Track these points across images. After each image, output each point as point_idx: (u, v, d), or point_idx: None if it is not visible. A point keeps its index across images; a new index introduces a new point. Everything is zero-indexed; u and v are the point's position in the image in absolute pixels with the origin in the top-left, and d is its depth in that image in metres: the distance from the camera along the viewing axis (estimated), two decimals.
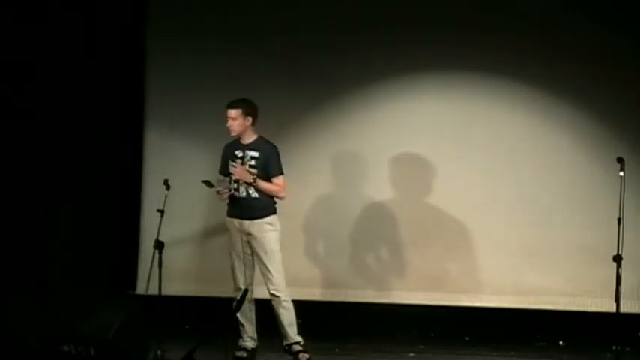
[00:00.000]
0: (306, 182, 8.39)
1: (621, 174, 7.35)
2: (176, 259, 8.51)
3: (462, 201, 8.54)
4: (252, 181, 7.36)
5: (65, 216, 8.64)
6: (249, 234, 7.45)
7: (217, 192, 7.42)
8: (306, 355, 7.49)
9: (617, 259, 7.28)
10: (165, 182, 7.62)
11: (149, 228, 8.43)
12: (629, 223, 7.38)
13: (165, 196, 7.54)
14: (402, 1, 8.63)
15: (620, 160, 7.38)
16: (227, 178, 7.44)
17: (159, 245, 7.48)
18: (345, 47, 8.62)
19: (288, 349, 7.55)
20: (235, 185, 7.43)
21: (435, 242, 8.55)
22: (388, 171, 8.63)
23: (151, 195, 8.61)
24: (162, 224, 7.47)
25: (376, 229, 8.65)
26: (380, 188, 8.65)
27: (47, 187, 8.60)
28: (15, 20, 8.51)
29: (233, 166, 7.37)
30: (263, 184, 7.39)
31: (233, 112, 7.41)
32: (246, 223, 7.44)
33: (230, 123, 7.43)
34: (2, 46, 8.47)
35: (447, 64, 8.56)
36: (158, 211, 7.51)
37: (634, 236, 7.89)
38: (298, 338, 7.55)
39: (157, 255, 7.47)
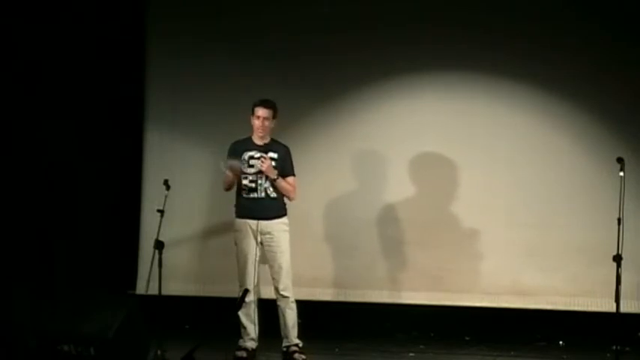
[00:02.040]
0: (306, 183, 8.37)
1: (621, 174, 7.34)
2: (176, 259, 8.52)
3: (462, 201, 8.54)
4: (275, 178, 7.40)
5: (65, 216, 8.63)
6: (266, 234, 7.47)
7: (230, 167, 7.42)
8: (303, 357, 7.51)
9: (617, 259, 7.27)
10: (166, 182, 7.62)
11: (149, 228, 8.43)
12: (629, 223, 7.37)
13: (165, 196, 7.54)
14: (403, 1, 8.64)
15: (620, 160, 7.37)
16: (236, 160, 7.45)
17: (159, 245, 7.48)
18: (345, 47, 8.62)
19: (286, 350, 7.57)
20: (253, 185, 7.46)
21: (435, 242, 8.54)
22: (388, 171, 8.63)
23: (151, 195, 8.61)
24: (163, 224, 7.47)
25: (376, 229, 8.64)
26: (380, 188, 8.65)
27: (47, 187, 8.60)
28: (14, 21, 8.50)
29: (263, 159, 7.38)
30: (282, 183, 7.47)
31: (267, 112, 7.47)
32: (264, 223, 7.48)
33: (262, 123, 7.46)
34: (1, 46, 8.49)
35: (447, 64, 8.56)
36: (158, 211, 7.51)
37: (634, 236, 7.88)
38: (298, 341, 7.60)
39: (156, 255, 7.47)
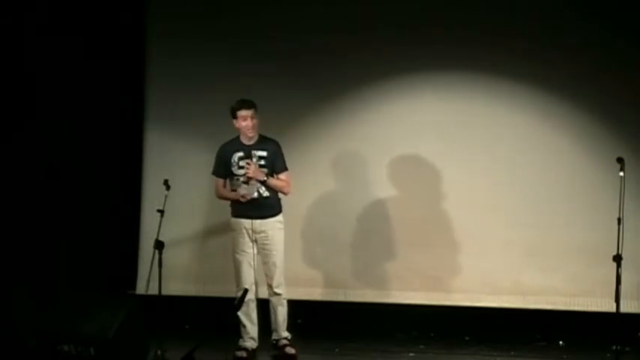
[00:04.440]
0: (306, 182, 8.38)
1: (621, 174, 7.34)
2: (176, 259, 8.52)
3: (462, 201, 8.54)
4: (264, 179, 7.41)
5: (65, 216, 8.63)
6: (261, 232, 7.49)
7: (242, 195, 7.44)
8: (293, 350, 7.53)
9: (617, 259, 7.27)
10: (166, 182, 7.62)
11: (149, 228, 8.43)
12: (629, 223, 7.37)
13: (165, 196, 7.54)
14: (403, 1, 8.64)
15: (620, 160, 7.37)
16: (242, 181, 7.47)
17: (159, 245, 7.49)
18: (345, 47, 8.62)
19: (275, 343, 7.63)
20: (246, 186, 7.47)
21: (435, 242, 8.54)
22: (388, 171, 8.63)
23: (151, 195, 8.62)
24: (162, 224, 7.47)
25: (376, 229, 8.65)
26: (380, 188, 8.65)
27: (47, 187, 8.60)
28: (14, 20, 8.51)
29: (248, 164, 7.40)
30: (273, 181, 7.49)
31: (250, 112, 7.48)
32: (258, 222, 7.50)
33: (249, 123, 7.48)
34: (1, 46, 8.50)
35: (447, 64, 8.56)
36: (158, 211, 7.51)
37: (634, 236, 7.88)
38: (287, 334, 7.65)
39: (156, 255, 7.47)
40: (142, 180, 8.86)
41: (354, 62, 8.64)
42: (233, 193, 7.55)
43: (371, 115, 8.68)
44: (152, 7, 8.90)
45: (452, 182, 8.56)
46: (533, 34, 8.46)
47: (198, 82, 8.79)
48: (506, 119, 8.55)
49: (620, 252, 7.26)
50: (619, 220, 7.29)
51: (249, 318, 7.55)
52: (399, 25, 8.61)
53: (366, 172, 8.68)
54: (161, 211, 7.50)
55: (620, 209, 7.29)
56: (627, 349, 7.82)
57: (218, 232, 8.60)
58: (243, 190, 7.46)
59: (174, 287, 8.46)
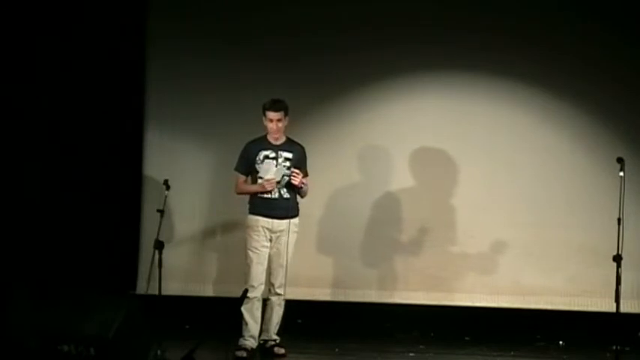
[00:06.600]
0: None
1: (621, 174, 7.35)
2: (176, 259, 8.51)
3: (462, 201, 8.55)
4: (301, 186, 7.51)
5: (65, 216, 8.63)
6: (277, 232, 7.52)
7: (267, 180, 7.43)
8: (282, 350, 7.56)
9: (617, 259, 7.28)
10: (165, 182, 7.62)
11: (149, 228, 8.42)
12: (629, 223, 7.38)
13: (165, 196, 7.54)
14: (403, 1, 8.64)
15: (620, 160, 7.38)
16: (273, 166, 7.47)
17: (159, 245, 7.49)
18: (345, 48, 8.62)
19: (264, 342, 7.62)
20: (274, 169, 7.48)
21: (435, 242, 8.54)
22: (388, 171, 8.63)
23: (151, 195, 8.61)
24: (162, 224, 7.47)
25: (376, 229, 8.65)
26: (380, 188, 8.65)
27: (47, 187, 8.60)
28: (14, 19, 8.50)
29: (295, 174, 7.42)
30: (305, 188, 7.57)
31: (278, 115, 7.47)
32: (277, 222, 7.51)
33: (274, 125, 7.47)
34: (1, 46, 8.49)
35: (447, 64, 8.56)
36: (158, 211, 7.51)
37: (634, 236, 7.90)
38: (277, 337, 7.65)
39: (157, 255, 7.47)
40: (142, 180, 8.85)
41: (354, 62, 8.63)
42: (254, 185, 7.52)
43: (371, 115, 8.68)
44: (152, 7, 8.90)
45: (452, 182, 8.56)
46: (533, 34, 8.46)
47: (198, 82, 8.78)
48: (506, 119, 8.56)
49: (620, 252, 7.27)
50: (619, 220, 7.30)
51: (252, 316, 7.53)
52: (399, 25, 8.61)
53: (366, 172, 8.68)
54: (161, 211, 7.50)
55: (620, 209, 7.30)
56: (627, 349, 7.82)
57: (218, 232, 8.60)
58: (270, 174, 7.42)
59: (174, 287, 8.46)
